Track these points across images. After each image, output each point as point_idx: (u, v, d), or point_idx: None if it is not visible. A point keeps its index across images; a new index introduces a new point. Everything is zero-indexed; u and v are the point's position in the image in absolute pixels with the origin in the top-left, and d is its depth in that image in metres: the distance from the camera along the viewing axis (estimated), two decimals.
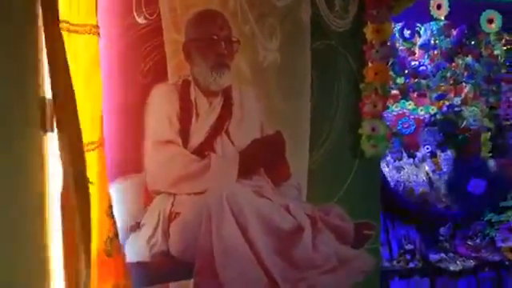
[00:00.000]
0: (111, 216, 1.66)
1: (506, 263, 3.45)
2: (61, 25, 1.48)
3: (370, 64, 2.02)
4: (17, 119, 1.13)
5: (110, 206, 1.66)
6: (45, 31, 1.34)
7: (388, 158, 3.58)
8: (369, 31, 2.00)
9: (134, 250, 1.84)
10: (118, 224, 1.81)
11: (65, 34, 1.51)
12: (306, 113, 2.05)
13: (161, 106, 1.87)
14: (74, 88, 1.52)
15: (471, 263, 3.43)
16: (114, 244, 1.63)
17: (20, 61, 1.23)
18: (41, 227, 1.28)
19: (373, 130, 2.04)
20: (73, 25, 1.56)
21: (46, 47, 1.34)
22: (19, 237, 1.14)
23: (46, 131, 1.39)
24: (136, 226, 1.85)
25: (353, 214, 2.11)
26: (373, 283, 2.17)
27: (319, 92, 2.05)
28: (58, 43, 1.40)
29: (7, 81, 1.04)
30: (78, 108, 1.55)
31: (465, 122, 3.63)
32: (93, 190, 1.60)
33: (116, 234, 1.66)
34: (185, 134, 1.89)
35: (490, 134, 3.67)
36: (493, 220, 3.65)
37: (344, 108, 2.09)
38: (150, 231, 1.87)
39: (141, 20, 1.81)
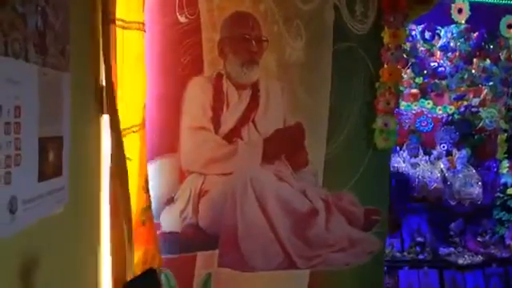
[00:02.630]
0: (147, 190, 1.85)
1: None
2: (118, 22, 1.70)
3: (385, 65, 2.16)
4: (80, 103, 1.35)
5: (147, 181, 1.86)
6: (102, 29, 1.54)
7: (404, 155, 3.72)
8: (386, 35, 2.13)
9: (168, 221, 2.05)
10: (155, 197, 2.05)
11: (120, 30, 1.74)
12: (325, 107, 2.18)
13: (196, 96, 2.05)
14: (124, 78, 1.75)
15: (479, 258, 3.55)
16: (147, 214, 1.82)
17: (84, 54, 1.45)
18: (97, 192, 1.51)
19: (385, 125, 2.17)
20: (127, 22, 1.78)
21: (103, 43, 1.55)
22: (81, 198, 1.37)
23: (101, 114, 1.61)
24: (170, 200, 2.05)
25: (363, 200, 2.24)
26: (378, 263, 2.30)
27: (338, 89, 2.18)
28: (111, 40, 1.60)
29: (77, 72, 1.27)
30: (126, 95, 1.77)
31: (481, 123, 3.72)
32: (133, 166, 1.81)
33: (149, 206, 1.85)
34: (216, 121, 2.07)
35: (506, 135, 3.76)
36: (503, 218, 3.75)
37: (360, 104, 2.21)
38: (183, 205, 2.06)
39: (182, 19, 1.99)
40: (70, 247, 1.21)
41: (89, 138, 1.37)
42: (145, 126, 1.81)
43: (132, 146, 1.79)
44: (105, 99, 1.52)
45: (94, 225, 1.39)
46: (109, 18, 1.58)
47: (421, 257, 3.55)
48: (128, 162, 1.73)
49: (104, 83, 1.53)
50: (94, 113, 1.42)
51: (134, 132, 1.78)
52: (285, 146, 2.17)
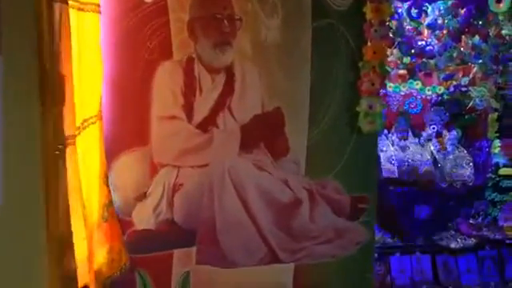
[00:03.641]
0: (107, 184, 1.76)
1: (508, 242, 3.48)
2: (71, 3, 1.55)
3: (368, 43, 2.02)
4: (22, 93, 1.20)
5: (106, 175, 1.76)
6: (48, 9, 1.39)
7: (393, 138, 3.61)
8: (368, 10, 1.99)
9: (141, 218, 1.94)
10: (126, 193, 1.93)
11: (74, 12, 1.59)
12: (306, 90, 2.05)
13: (166, 82, 1.92)
14: (81, 65, 1.61)
15: (472, 241, 3.47)
16: (109, 210, 1.74)
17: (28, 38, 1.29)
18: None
19: (370, 107, 2.04)
20: (82, 3, 1.64)
21: (50, 24, 1.39)
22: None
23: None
24: (143, 196, 1.94)
25: (349, 188, 2.14)
26: (366, 254, 2.20)
27: (319, 70, 2.05)
28: (63, 22, 1.45)
29: (17, 57, 1.12)
30: (85, 84, 1.64)
31: (471, 102, 3.61)
32: (93, 159, 1.70)
33: (111, 201, 1.76)
34: (189, 109, 1.95)
35: (497, 114, 3.65)
36: (495, 200, 3.67)
37: (342, 85, 2.09)
38: (156, 201, 1.95)
39: None
40: (9, 250, 1.06)
41: (33, 131, 1.22)
42: (102, 116, 1.71)
43: (92, 138, 1.68)
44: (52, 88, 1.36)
45: (38, 224, 1.24)
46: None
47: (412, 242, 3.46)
48: (87, 155, 1.62)
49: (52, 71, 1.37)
50: (39, 103, 1.26)
51: (93, 123, 1.67)
52: (264, 133, 2.06)
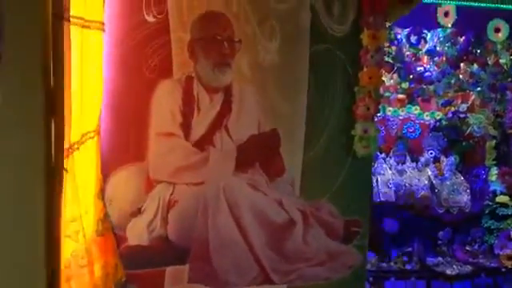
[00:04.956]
0: (102, 198, 1.77)
1: (503, 270, 3.46)
2: (75, 21, 1.60)
3: (364, 68, 2.06)
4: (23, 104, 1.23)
5: (101, 190, 1.77)
6: (52, 27, 1.43)
7: (391, 161, 3.62)
8: (365, 37, 2.03)
9: (135, 233, 1.93)
10: (121, 208, 1.93)
11: (78, 29, 1.64)
12: (302, 112, 2.08)
13: (165, 100, 1.94)
14: (82, 80, 1.65)
15: (468, 268, 3.45)
16: (104, 224, 1.73)
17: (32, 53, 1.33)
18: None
19: (365, 131, 2.07)
20: (86, 21, 1.69)
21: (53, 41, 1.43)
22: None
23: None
24: (137, 212, 1.93)
25: (343, 210, 2.14)
26: (359, 278, 2.19)
27: (315, 93, 2.08)
28: (65, 38, 1.49)
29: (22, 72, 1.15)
30: (85, 98, 1.67)
31: (469, 129, 3.64)
32: (90, 175, 1.72)
33: (106, 215, 1.76)
34: (186, 127, 1.96)
35: (495, 141, 3.67)
36: (492, 227, 3.66)
37: (338, 109, 2.11)
38: (150, 217, 1.95)
39: (150, 18, 1.89)
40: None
41: (36, 143, 1.24)
42: (99, 131, 1.72)
43: (90, 152, 1.70)
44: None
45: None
46: (61, 15, 1.47)
47: (408, 267, 3.45)
48: (84, 169, 1.64)
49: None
50: (40, 115, 1.29)
51: (91, 138, 1.69)
52: (259, 154, 2.07)
